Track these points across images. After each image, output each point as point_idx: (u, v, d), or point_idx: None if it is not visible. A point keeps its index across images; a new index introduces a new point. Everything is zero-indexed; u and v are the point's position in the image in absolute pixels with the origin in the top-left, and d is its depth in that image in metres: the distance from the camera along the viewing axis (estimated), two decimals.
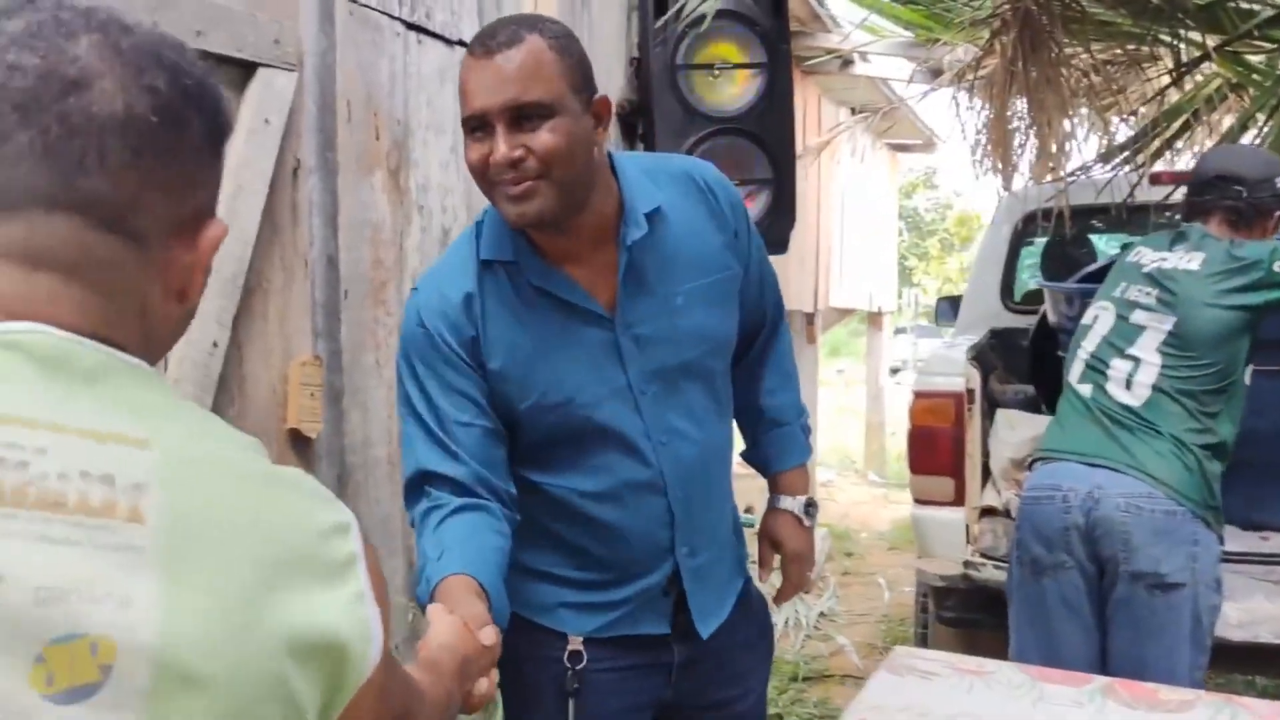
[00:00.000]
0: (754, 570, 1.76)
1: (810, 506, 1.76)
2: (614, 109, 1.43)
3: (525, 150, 1.36)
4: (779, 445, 1.76)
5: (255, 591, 0.66)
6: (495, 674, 1.21)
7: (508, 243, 1.47)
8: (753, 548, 1.75)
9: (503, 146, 1.36)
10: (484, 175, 1.40)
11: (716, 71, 3.13)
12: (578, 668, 1.52)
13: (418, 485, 1.47)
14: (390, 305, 2.40)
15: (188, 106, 0.71)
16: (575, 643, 1.53)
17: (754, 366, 1.73)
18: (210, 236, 0.74)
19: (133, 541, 0.62)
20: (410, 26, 2.45)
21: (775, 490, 1.78)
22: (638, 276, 1.49)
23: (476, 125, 1.38)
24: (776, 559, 1.78)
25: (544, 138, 1.36)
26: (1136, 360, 2.38)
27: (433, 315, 1.47)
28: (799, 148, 3.85)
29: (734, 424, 1.71)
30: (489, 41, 1.37)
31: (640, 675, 1.58)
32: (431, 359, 1.47)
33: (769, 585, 1.80)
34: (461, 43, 2.64)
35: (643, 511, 1.52)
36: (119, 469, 0.63)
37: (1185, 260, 2.39)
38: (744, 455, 1.81)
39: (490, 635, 1.20)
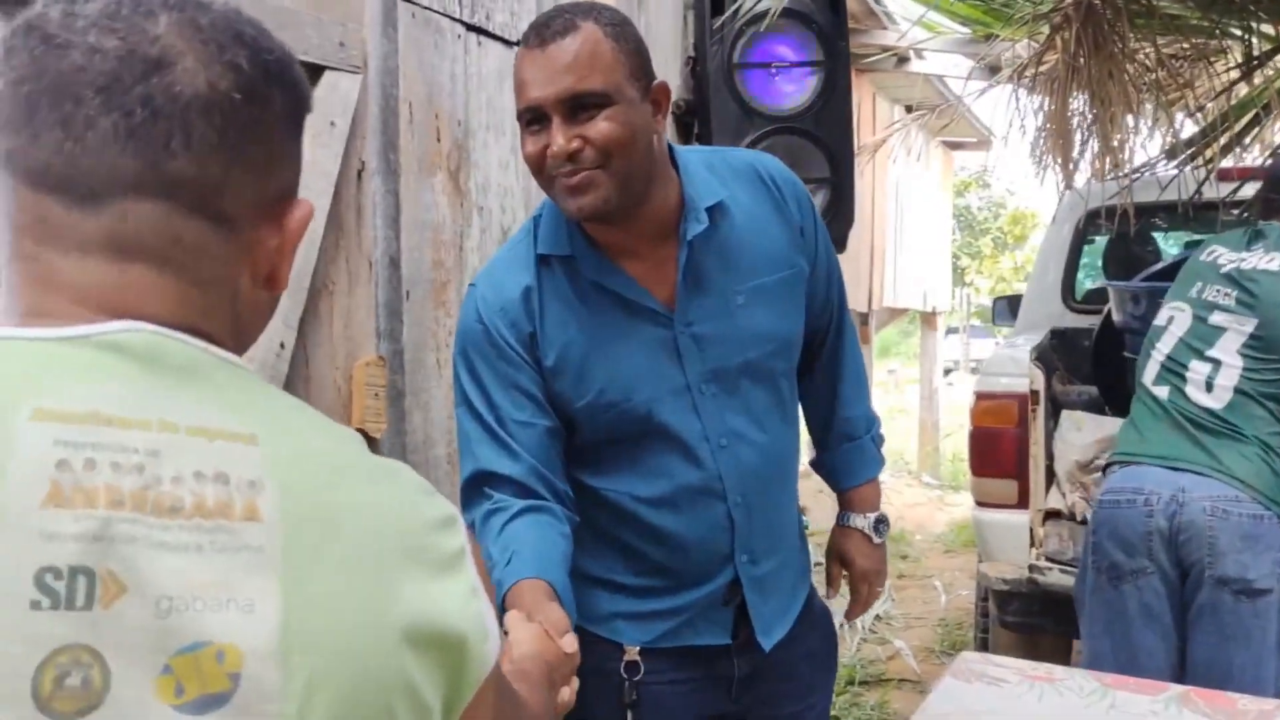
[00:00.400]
0: (819, 583, 1.72)
1: (881, 523, 1.71)
2: (672, 98, 1.40)
3: (583, 141, 1.33)
4: (850, 459, 1.71)
5: (373, 585, 0.65)
6: (576, 682, 1.18)
7: (565, 237, 1.44)
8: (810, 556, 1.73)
9: (559, 138, 1.33)
10: (541, 168, 1.37)
11: (774, 70, 3.10)
12: (635, 679, 1.49)
13: (477, 486, 1.44)
14: (450, 306, 2.41)
15: (270, 83, 0.69)
16: (632, 653, 1.49)
17: (827, 373, 1.68)
18: (297, 217, 0.72)
19: (252, 541, 0.61)
20: (470, 28, 2.46)
21: (844, 506, 1.73)
22: (698, 273, 1.45)
23: (533, 118, 1.35)
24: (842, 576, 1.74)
25: (601, 126, 1.32)
26: (1217, 362, 2.32)
27: (491, 311, 1.44)
28: (854, 145, 3.81)
29: (800, 428, 1.67)
30: (543, 31, 1.33)
31: (701, 688, 1.54)
32: (490, 355, 1.44)
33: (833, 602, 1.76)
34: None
35: (701, 517, 1.49)
36: (231, 467, 0.62)
37: (1265, 260, 2.34)
38: (813, 464, 1.78)
39: (572, 642, 1.18)
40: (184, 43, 0.65)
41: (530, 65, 1.34)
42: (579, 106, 1.32)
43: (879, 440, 1.74)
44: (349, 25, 2.02)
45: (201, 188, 0.66)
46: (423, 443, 2.34)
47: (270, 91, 0.69)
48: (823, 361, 1.67)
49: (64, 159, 0.63)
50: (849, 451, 1.71)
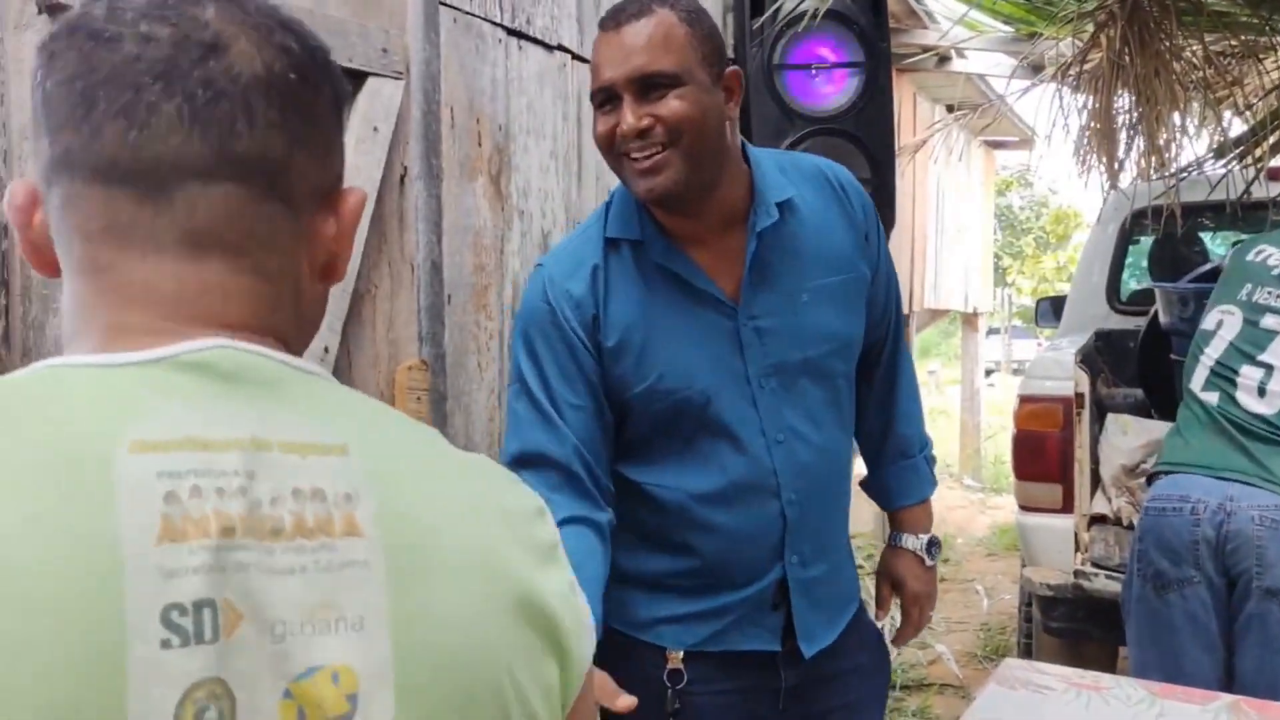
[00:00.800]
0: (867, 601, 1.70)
1: (933, 545, 1.69)
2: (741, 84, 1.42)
3: (653, 119, 1.35)
4: (904, 478, 1.70)
5: (481, 577, 0.64)
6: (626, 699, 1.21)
7: (635, 222, 1.45)
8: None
9: (629, 116, 1.35)
10: (611, 148, 1.39)
11: (814, 71, 3.09)
12: (678, 687, 1.47)
13: (519, 467, 1.43)
14: (491, 309, 2.43)
15: (317, 69, 0.68)
16: (675, 660, 1.48)
17: (883, 386, 1.67)
18: (353, 202, 0.71)
19: (355, 557, 0.60)
20: (511, 32, 2.47)
21: (896, 527, 1.71)
22: (764, 267, 1.46)
23: (605, 98, 1.38)
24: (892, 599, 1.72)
25: (672, 105, 1.35)
26: (1269, 367, 2.28)
27: (556, 291, 1.45)
28: (895, 146, 3.79)
29: (853, 441, 1.65)
30: (619, 15, 1.38)
31: (746, 699, 1.52)
32: (551, 337, 1.45)
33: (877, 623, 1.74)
34: (561, 47, 2.65)
35: (753, 513, 1.47)
36: (327, 482, 0.61)
37: None
38: (864, 484, 1.76)
39: (625, 701, 1.20)
40: (234, 27, 0.64)
41: (605, 47, 1.38)
42: (650, 86, 1.35)
43: (931, 462, 1.73)
44: (392, 32, 2.04)
45: (268, 168, 0.65)
46: (464, 446, 2.36)
47: (320, 75, 0.69)
48: (879, 374, 1.67)
49: (130, 149, 0.62)
50: (903, 470, 1.69)
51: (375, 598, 0.60)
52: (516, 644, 0.65)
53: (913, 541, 1.69)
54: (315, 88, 0.68)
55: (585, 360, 1.44)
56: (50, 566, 0.53)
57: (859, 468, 1.80)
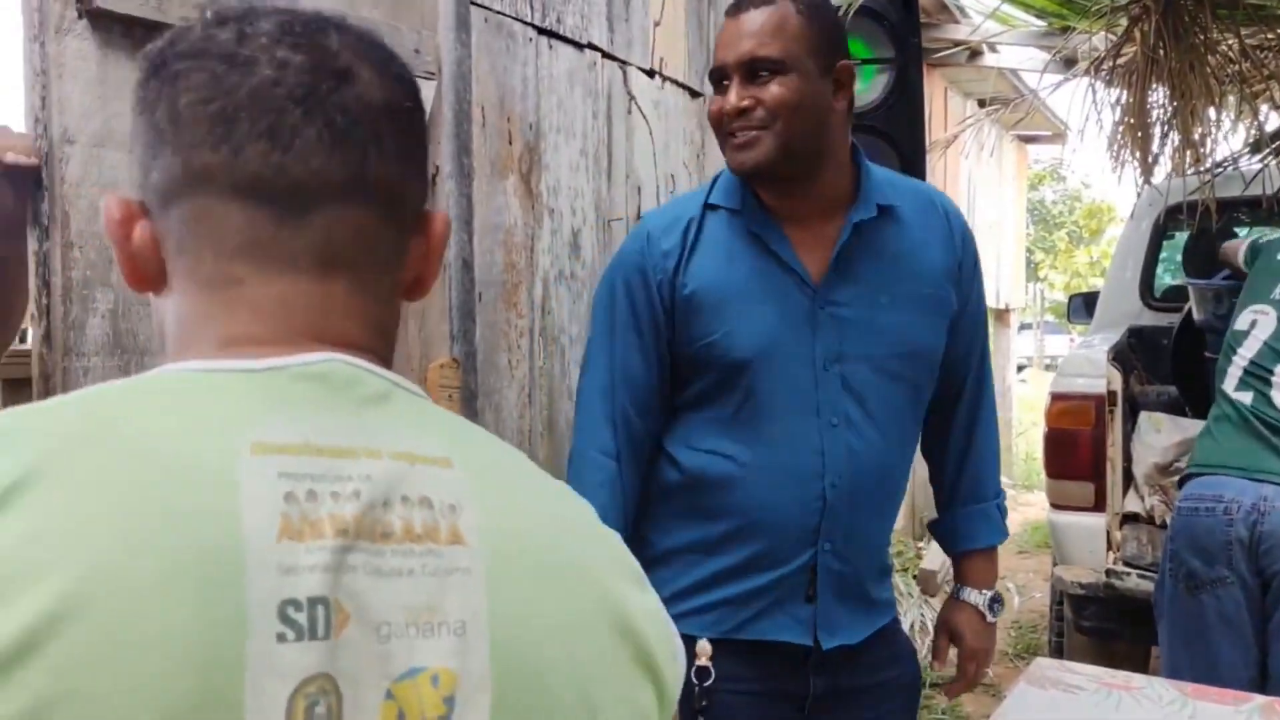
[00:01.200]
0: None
1: (995, 602, 1.69)
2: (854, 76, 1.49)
3: (754, 100, 1.43)
4: (975, 521, 1.70)
5: (580, 593, 0.66)
6: None
7: (736, 195, 1.53)
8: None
9: (733, 97, 1.45)
10: (719, 125, 1.48)
11: None
12: (705, 684, 1.47)
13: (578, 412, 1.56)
14: (522, 307, 2.44)
15: (417, 96, 0.72)
16: (703, 658, 1.48)
17: (963, 430, 1.69)
18: (440, 224, 0.74)
19: (459, 564, 0.62)
20: (542, 31, 2.48)
21: (960, 578, 1.71)
22: (851, 259, 1.50)
23: (718, 79, 1.48)
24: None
25: (773, 90, 1.43)
26: None
27: (650, 242, 1.53)
28: (926, 142, 3.77)
29: (910, 463, 1.65)
30: (743, 2, 1.47)
31: (774, 704, 1.52)
32: (633, 283, 1.53)
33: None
34: (591, 46, 2.66)
35: (793, 491, 1.48)
36: (433, 491, 0.63)
37: None
38: (931, 526, 1.76)
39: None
40: (357, 57, 0.68)
41: (725, 32, 1.48)
42: (756, 70, 1.44)
43: (1003, 511, 1.73)
44: (424, 32, 2.05)
45: (391, 192, 0.68)
46: None
47: (418, 102, 0.72)
48: (959, 417, 1.68)
49: (273, 169, 0.64)
50: (974, 514, 1.70)
51: (476, 604, 0.61)
52: (609, 659, 0.66)
53: (975, 596, 1.69)
54: (420, 114, 0.72)
55: (657, 311, 1.52)
56: (176, 559, 0.55)
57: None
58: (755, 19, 1.44)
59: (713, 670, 1.48)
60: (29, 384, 1.48)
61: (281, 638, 0.56)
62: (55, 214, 1.40)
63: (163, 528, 0.55)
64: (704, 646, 1.49)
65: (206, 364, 0.64)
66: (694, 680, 1.47)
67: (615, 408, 1.51)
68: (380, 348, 0.70)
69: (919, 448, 1.72)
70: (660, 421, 1.55)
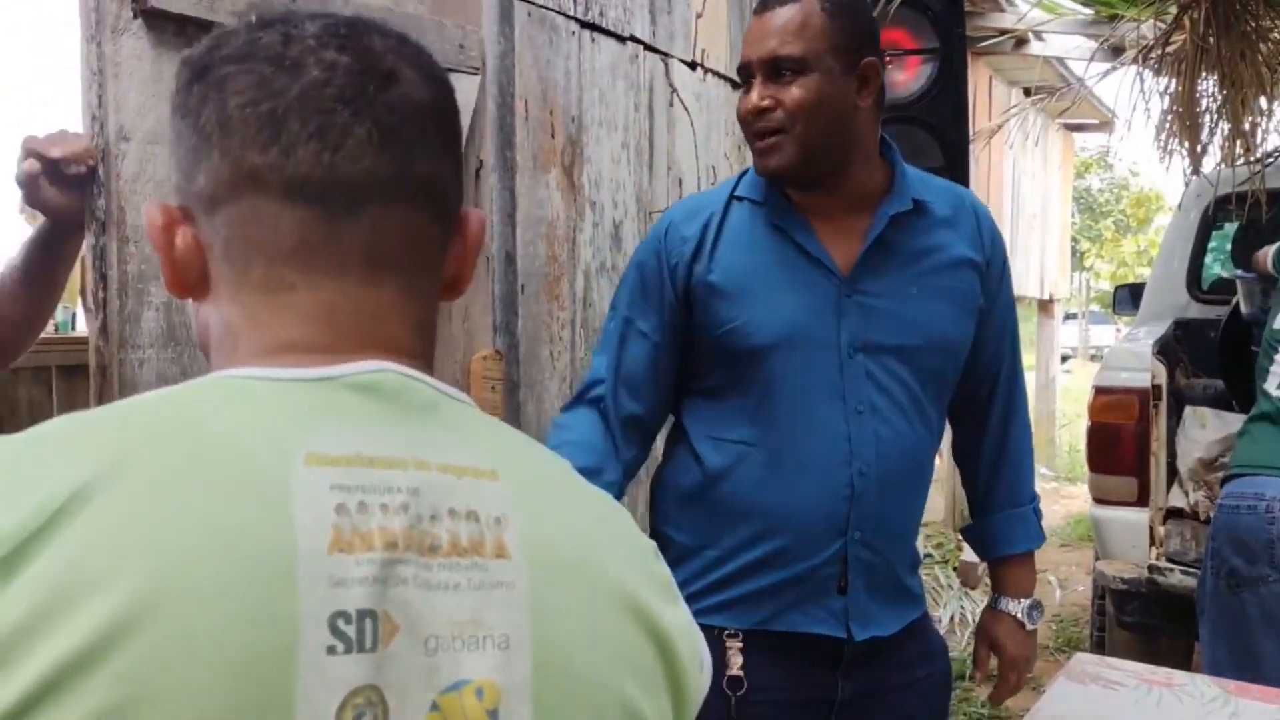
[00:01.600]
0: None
1: (1034, 609, 1.68)
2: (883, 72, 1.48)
3: (774, 101, 1.44)
4: (1011, 526, 1.69)
5: (618, 609, 0.67)
6: None
7: (761, 189, 1.54)
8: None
9: (754, 95, 1.45)
10: (745, 123, 1.49)
11: (888, 58, 3.06)
12: (739, 694, 1.46)
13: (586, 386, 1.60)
14: (564, 299, 2.46)
15: (455, 97, 0.73)
16: (735, 667, 1.47)
17: (996, 435, 1.68)
18: (476, 223, 0.74)
19: (504, 578, 0.63)
20: (584, 25, 2.49)
21: (998, 587, 1.70)
22: (882, 251, 1.50)
23: (744, 76, 1.49)
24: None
25: (793, 91, 1.43)
26: None
27: (671, 228, 1.56)
28: (970, 132, 3.74)
29: (934, 456, 1.63)
30: (770, 0, 1.47)
31: (805, 711, 1.52)
32: (648, 266, 1.56)
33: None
34: (633, 38, 2.67)
35: (820, 478, 1.47)
36: (480, 504, 0.64)
37: None
38: (965, 531, 1.75)
39: None
40: (399, 58, 0.68)
41: (751, 28, 1.48)
42: (778, 69, 1.44)
43: (1039, 515, 1.72)
44: (468, 27, 2.07)
45: (436, 191, 0.69)
46: (537, 436, 2.39)
47: (455, 103, 0.73)
48: (993, 420, 1.67)
49: (324, 169, 0.65)
50: (1010, 519, 1.69)
51: (520, 617, 0.62)
52: (644, 671, 0.67)
53: (1014, 606, 1.67)
54: (456, 115, 0.73)
55: (667, 292, 1.54)
56: (229, 568, 0.56)
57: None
58: (780, 16, 1.44)
59: (745, 681, 1.47)
60: (83, 370, 1.52)
61: (331, 650, 0.57)
62: (111, 210, 1.43)
63: (221, 540, 0.56)
64: (735, 658, 1.48)
65: (259, 371, 0.64)
66: (727, 690, 1.47)
67: (616, 377, 1.57)
68: (424, 350, 0.70)
69: (951, 453, 1.73)
70: (653, 406, 1.59)
